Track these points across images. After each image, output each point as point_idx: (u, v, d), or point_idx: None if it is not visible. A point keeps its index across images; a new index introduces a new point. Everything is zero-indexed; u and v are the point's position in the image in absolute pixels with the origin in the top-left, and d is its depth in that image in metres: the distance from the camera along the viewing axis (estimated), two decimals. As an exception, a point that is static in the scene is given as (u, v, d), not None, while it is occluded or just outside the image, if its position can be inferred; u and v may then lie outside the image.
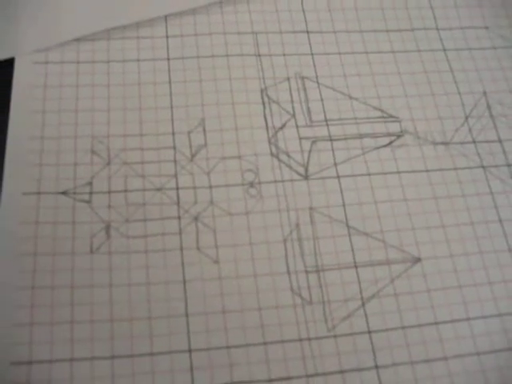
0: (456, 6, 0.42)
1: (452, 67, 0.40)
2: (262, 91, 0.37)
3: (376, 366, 0.31)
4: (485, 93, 0.39)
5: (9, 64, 0.37)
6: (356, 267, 0.33)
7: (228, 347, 0.31)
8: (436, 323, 0.33)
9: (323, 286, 0.33)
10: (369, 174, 0.36)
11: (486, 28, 0.42)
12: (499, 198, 0.36)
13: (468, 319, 0.33)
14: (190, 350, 0.31)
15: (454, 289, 0.33)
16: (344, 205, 0.35)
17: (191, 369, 0.30)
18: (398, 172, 0.36)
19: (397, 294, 0.33)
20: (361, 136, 0.37)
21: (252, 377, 0.30)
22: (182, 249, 0.33)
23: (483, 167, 0.37)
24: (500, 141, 0.38)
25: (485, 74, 0.40)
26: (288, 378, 0.30)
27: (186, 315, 0.31)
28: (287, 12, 0.40)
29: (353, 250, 0.34)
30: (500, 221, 0.35)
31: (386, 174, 0.36)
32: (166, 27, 0.39)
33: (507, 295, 0.34)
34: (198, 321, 0.31)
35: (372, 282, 0.33)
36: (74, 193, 0.34)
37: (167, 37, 0.38)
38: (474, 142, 0.38)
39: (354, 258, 0.33)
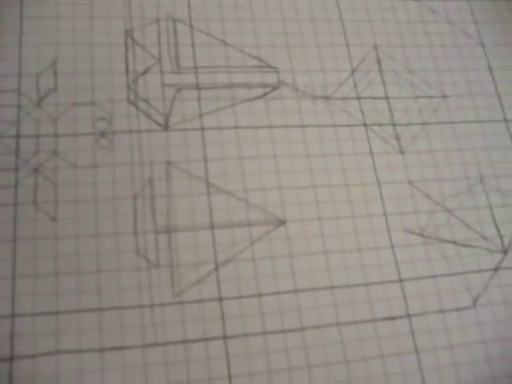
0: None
1: (343, 17, 0.36)
2: (126, 32, 0.33)
3: (224, 337, 0.28)
4: (375, 46, 0.36)
5: None
6: (212, 228, 0.30)
7: (57, 313, 0.28)
8: (296, 291, 0.30)
9: (173, 249, 0.29)
10: (236, 128, 0.32)
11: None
12: (379, 159, 0.33)
13: (332, 288, 0.30)
14: (13, 315, 0.27)
15: (319, 255, 0.31)
16: (206, 160, 0.31)
17: (11, 336, 0.27)
18: (270, 126, 0.33)
19: (255, 258, 0.30)
20: (232, 86, 0.33)
21: (81, 345, 0.27)
22: (16, 204, 0.29)
23: (365, 125, 0.34)
24: (387, 98, 0.35)
25: (377, 26, 0.37)
26: (122, 348, 0.27)
27: (13, 277, 0.28)
28: None
29: (210, 210, 0.30)
30: (378, 183, 0.33)
31: (256, 128, 0.32)
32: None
33: (377, 263, 0.31)
34: (24, 283, 0.28)
35: (229, 244, 0.30)
36: None
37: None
38: (358, 97, 0.35)
39: (210, 219, 0.30)
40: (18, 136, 0.30)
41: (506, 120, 0.36)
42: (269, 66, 0.34)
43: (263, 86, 0.34)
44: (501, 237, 0.33)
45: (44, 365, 0.27)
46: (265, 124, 0.33)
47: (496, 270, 0.32)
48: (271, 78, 0.34)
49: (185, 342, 0.28)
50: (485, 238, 0.33)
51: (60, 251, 0.29)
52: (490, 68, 0.37)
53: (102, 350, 0.27)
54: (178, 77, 0.33)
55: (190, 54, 0.33)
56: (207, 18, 0.35)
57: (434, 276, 0.32)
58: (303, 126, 0.33)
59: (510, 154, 0.35)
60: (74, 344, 0.27)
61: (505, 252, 0.33)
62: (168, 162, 0.31)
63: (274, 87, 0.34)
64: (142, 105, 0.32)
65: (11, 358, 0.27)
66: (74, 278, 0.28)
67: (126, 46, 0.33)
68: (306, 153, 0.32)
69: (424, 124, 0.35)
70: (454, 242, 0.32)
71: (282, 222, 0.31)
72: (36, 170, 0.30)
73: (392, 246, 0.32)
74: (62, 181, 0.30)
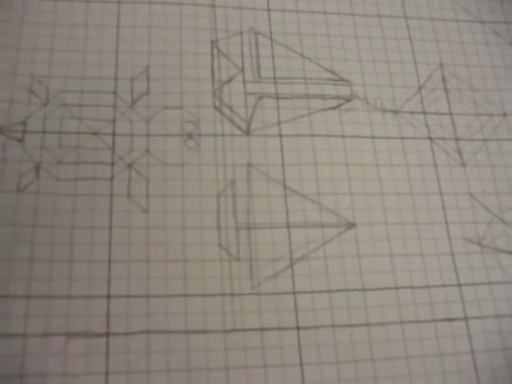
0: (423, -26, 0.41)
1: (411, 36, 0.39)
2: (212, 43, 0.36)
3: (297, 327, 0.31)
4: (441, 64, 0.38)
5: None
6: (288, 227, 0.33)
7: (147, 296, 0.30)
8: (363, 290, 0.32)
9: (252, 244, 0.32)
10: (312, 136, 0.35)
11: (451, -1, 0.41)
12: (442, 170, 0.36)
13: (396, 288, 0.33)
14: (108, 296, 0.30)
15: (385, 257, 0.33)
16: (283, 164, 0.34)
17: (108, 315, 0.30)
18: (343, 136, 0.35)
19: (326, 257, 0.32)
20: (308, 96, 0.36)
21: (168, 327, 0.30)
22: (111, 195, 0.32)
23: (430, 139, 0.36)
24: (451, 113, 0.37)
25: (443, 46, 0.39)
26: (205, 331, 0.30)
27: (109, 261, 0.31)
28: (247, -35, 0.39)
29: (287, 211, 0.33)
30: (440, 193, 0.35)
31: (329, 136, 0.35)
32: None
33: (438, 267, 0.33)
34: (119, 267, 0.31)
35: (303, 243, 0.33)
36: (8, 130, 0.33)
37: (120, -21, 0.37)
38: (423, 112, 0.37)
39: (287, 219, 0.33)
40: (113, 134, 0.33)
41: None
42: (342, 80, 0.37)
43: (337, 97, 0.36)
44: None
45: (136, 342, 0.29)
46: (338, 133, 0.35)
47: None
48: (344, 91, 0.36)
49: (261, 329, 0.31)
50: (539, 250, 0.35)
51: (151, 240, 0.31)
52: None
53: (186, 332, 0.30)
54: (259, 86, 0.36)
55: (270, 65, 0.36)
56: (286, 32, 0.37)
57: (490, 283, 0.34)
58: (373, 137, 0.35)
59: None
60: (163, 325, 0.30)
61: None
62: (249, 165, 0.34)
63: (347, 99, 0.36)
64: (225, 111, 0.35)
65: (107, 334, 0.29)
66: (163, 265, 0.31)
67: (212, 55, 0.36)
68: (376, 162, 0.35)
69: (485, 140, 0.37)
70: (510, 252, 0.34)
71: (352, 225, 0.33)
72: (130, 166, 0.33)
73: (452, 253, 0.34)
74: (153, 177, 0.33)
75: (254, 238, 0.32)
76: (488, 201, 0.35)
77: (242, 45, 0.36)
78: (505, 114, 0.38)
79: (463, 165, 0.36)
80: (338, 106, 0.36)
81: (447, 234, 0.34)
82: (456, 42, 0.39)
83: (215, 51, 0.36)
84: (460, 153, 0.36)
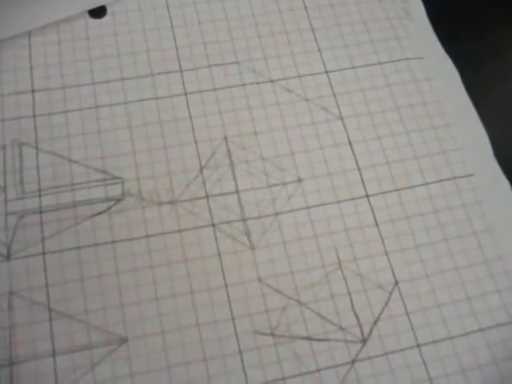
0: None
1: (191, 113, 0.37)
2: (-24, 163, 0.35)
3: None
4: (225, 138, 0.36)
5: None
6: (54, 355, 0.31)
7: None
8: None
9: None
10: (78, 248, 0.33)
11: (237, 63, 0.38)
12: (227, 258, 0.33)
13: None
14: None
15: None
16: (47, 285, 0.32)
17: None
18: (113, 242, 0.33)
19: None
20: (75, 204, 0.34)
21: None
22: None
23: (213, 225, 0.34)
24: (237, 192, 0.35)
25: (227, 116, 0.37)
26: None
27: None
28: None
29: (52, 336, 0.31)
30: (225, 285, 0.32)
31: (98, 245, 0.33)
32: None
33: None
34: None
35: (69, 371, 0.30)
36: None
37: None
38: (206, 196, 0.34)
39: (52, 344, 0.31)
40: None
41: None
42: (115, 178, 0.34)
43: (107, 200, 0.34)
44: None
45: None
46: (108, 240, 0.33)
47: None
48: (115, 190, 0.34)
49: None
50: None
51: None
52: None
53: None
54: (22, 202, 0.33)
55: (34, 177, 0.34)
56: (52, 138, 0.35)
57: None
58: (147, 236, 0.33)
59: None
60: None
61: None
62: (10, 293, 0.32)
63: (118, 199, 0.34)
64: (-15, 237, 0.33)
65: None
66: None
67: (-26, 177, 0.34)
68: (150, 263, 0.33)
69: (277, 214, 0.34)
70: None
71: (124, 340, 0.31)
72: None
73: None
74: None
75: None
76: (281, 284, 0.33)
77: (4, 160, 0.35)
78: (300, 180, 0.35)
79: (252, 248, 0.33)
80: (108, 208, 0.34)
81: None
82: (242, 108, 0.37)
83: (-23, 172, 0.34)
84: (248, 234, 0.34)
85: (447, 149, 0.37)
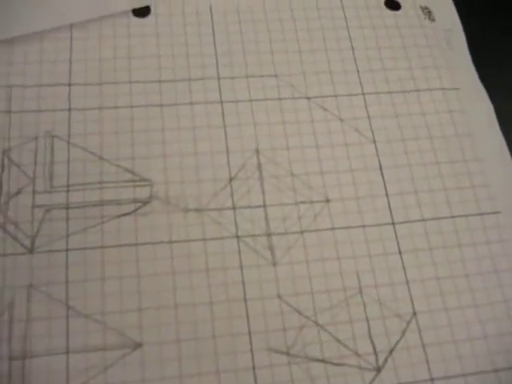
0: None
1: (225, 122, 0.36)
2: (3, 153, 0.35)
3: None
4: (257, 150, 0.36)
5: None
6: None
7: None
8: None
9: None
10: (102, 247, 0.33)
11: (276, 76, 0.38)
12: (248, 272, 0.33)
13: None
14: None
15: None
16: (67, 282, 0.32)
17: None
18: (136, 244, 0.33)
19: None
20: (102, 203, 0.34)
21: None
22: None
23: (237, 237, 0.34)
24: (264, 206, 0.35)
25: (260, 129, 0.36)
26: None
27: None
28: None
29: (67, 335, 0.31)
30: (245, 300, 0.32)
31: (121, 246, 0.33)
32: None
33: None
34: None
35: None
36: None
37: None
38: (233, 208, 0.34)
39: (66, 344, 0.31)
40: None
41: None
42: (143, 180, 0.34)
43: (134, 201, 0.34)
44: None
45: None
46: (132, 242, 0.33)
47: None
48: (143, 193, 0.34)
49: None
50: None
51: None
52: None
53: None
54: (50, 196, 0.33)
55: (64, 172, 0.34)
56: (85, 133, 0.35)
57: None
58: (170, 242, 0.33)
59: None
60: None
61: None
62: (29, 286, 0.32)
63: (145, 202, 0.34)
64: (9, 228, 0.33)
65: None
66: None
67: (3, 166, 0.34)
68: (172, 270, 0.33)
69: (302, 232, 0.34)
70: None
71: (138, 345, 0.31)
72: None
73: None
74: None
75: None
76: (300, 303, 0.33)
77: (36, 151, 0.35)
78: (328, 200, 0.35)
79: (274, 264, 0.33)
80: (135, 210, 0.34)
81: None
82: (277, 122, 0.37)
83: (6, 161, 0.34)
84: (271, 249, 0.34)
85: (476, 184, 0.37)
